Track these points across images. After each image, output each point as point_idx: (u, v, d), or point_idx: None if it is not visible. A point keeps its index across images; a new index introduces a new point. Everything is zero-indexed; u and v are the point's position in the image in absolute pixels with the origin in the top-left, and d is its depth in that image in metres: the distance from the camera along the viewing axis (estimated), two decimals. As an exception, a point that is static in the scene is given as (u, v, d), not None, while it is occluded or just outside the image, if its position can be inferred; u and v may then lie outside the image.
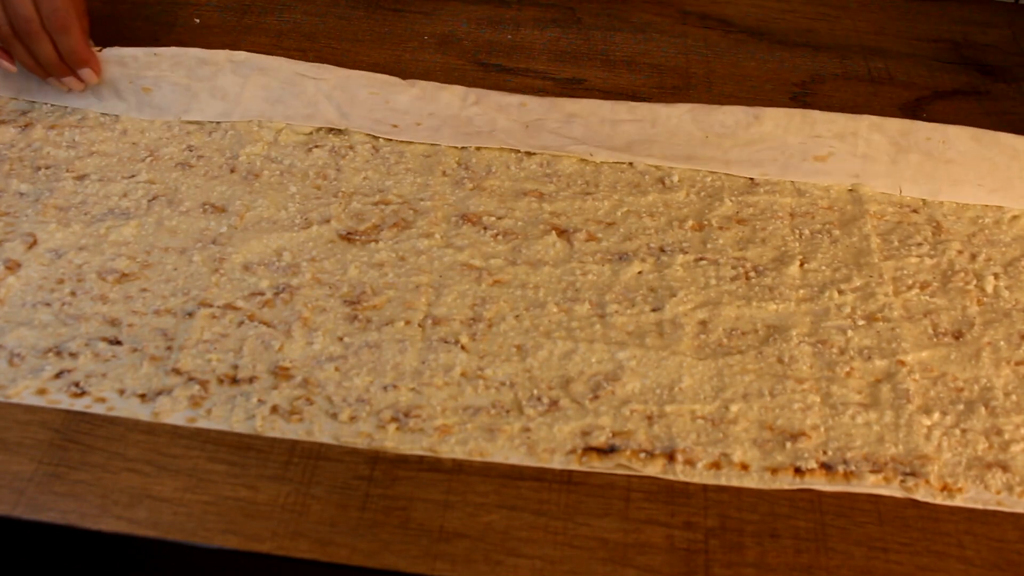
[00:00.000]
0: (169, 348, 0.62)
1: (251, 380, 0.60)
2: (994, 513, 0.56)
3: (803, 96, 0.84)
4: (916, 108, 0.84)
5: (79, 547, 0.54)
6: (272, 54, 0.85)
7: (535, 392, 0.60)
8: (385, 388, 0.60)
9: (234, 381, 0.60)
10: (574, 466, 0.57)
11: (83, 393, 0.59)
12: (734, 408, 0.60)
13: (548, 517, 0.55)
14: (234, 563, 0.53)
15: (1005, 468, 0.58)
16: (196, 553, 0.53)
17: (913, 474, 0.57)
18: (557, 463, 0.57)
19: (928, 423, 0.60)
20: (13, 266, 0.66)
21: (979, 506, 0.56)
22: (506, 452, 0.58)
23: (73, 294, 0.64)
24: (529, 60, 0.87)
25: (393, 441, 0.58)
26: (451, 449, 0.57)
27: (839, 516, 0.56)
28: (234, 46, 0.86)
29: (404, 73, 0.84)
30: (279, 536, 0.53)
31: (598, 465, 0.57)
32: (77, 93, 0.76)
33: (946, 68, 0.88)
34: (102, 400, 0.59)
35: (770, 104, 0.83)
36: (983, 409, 0.61)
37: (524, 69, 0.86)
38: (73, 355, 0.61)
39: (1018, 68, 0.89)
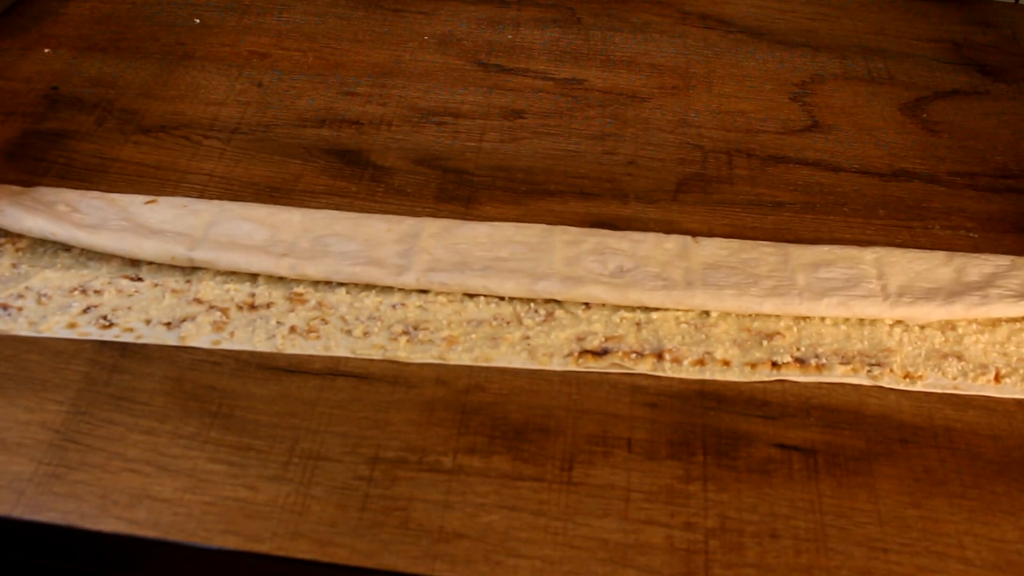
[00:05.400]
0: (188, 282, 0.65)
1: (268, 306, 0.64)
2: (994, 513, 0.56)
3: (803, 96, 0.84)
4: (916, 108, 0.84)
5: (79, 547, 0.54)
6: (271, 54, 0.85)
7: (532, 305, 0.65)
8: (394, 307, 0.64)
9: (252, 307, 0.64)
10: (572, 367, 0.61)
11: (111, 324, 0.63)
12: (714, 314, 0.65)
13: (548, 517, 0.55)
14: (234, 563, 0.53)
15: (960, 358, 0.63)
16: (196, 553, 0.53)
17: (878, 364, 0.62)
18: (556, 365, 0.61)
19: (890, 322, 0.65)
20: None
21: (938, 390, 0.61)
22: (509, 357, 0.62)
23: None
24: (529, 60, 0.87)
25: (405, 351, 0.62)
26: (458, 357, 0.61)
27: (839, 516, 0.56)
28: (234, 46, 0.86)
29: (404, 73, 0.84)
30: (279, 536, 0.53)
31: (593, 365, 0.61)
32: None
33: (946, 68, 0.89)
34: (130, 330, 0.62)
35: (770, 103, 0.83)
36: None
37: (524, 69, 0.86)
38: (98, 292, 0.64)
39: (1018, 68, 0.89)
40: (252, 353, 0.62)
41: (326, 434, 0.58)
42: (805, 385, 0.62)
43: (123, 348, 0.62)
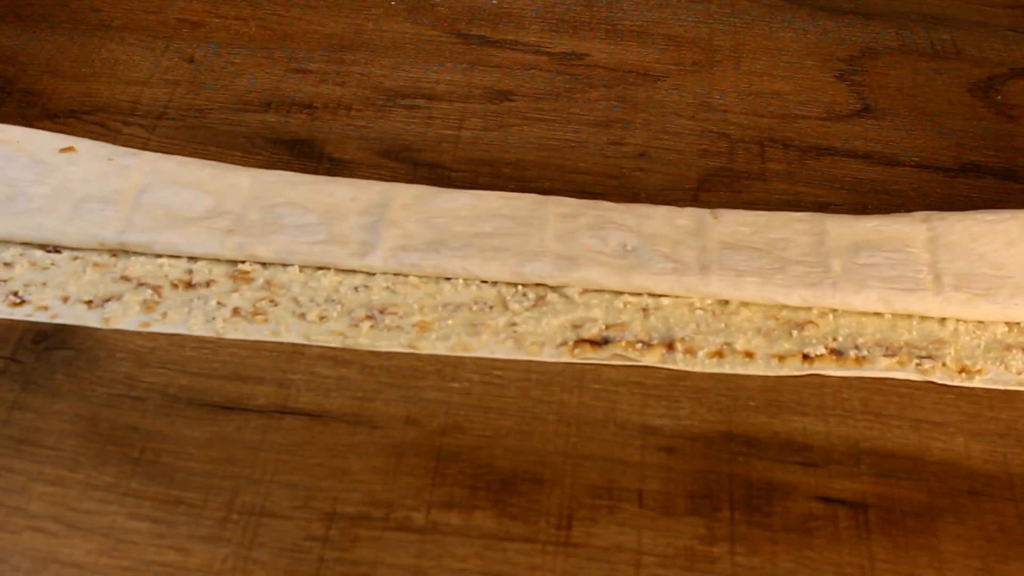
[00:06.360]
0: (115, 255, 0.67)
1: (208, 284, 0.66)
2: None
3: (851, 74, 0.85)
4: (989, 88, 0.84)
5: (-30, 623, 0.54)
6: (205, 23, 0.86)
7: (520, 287, 0.67)
8: (356, 288, 0.66)
9: (189, 286, 0.66)
10: (566, 358, 0.64)
11: (23, 302, 0.65)
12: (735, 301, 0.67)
13: (542, 586, 0.55)
14: (159, 643, 0.54)
15: None
16: (113, 630, 0.53)
17: (929, 357, 0.65)
18: (547, 355, 0.64)
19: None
20: None
21: (999, 387, 0.64)
22: (492, 346, 0.64)
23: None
24: (518, 31, 0.88)
25: (368, 339, 0.64)
26: (432, 345, 0.63)
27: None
28: (160, 13, 0.87)
29: (366, 46, 0.85)
30: (214, 609, 0.54)
31: (592, 356, 0.63)
32: None
33: (1025, 40, 0.90)
34: (44, 308, 0.65)
35: (811, 82, 0.84)
36: None
37: (512, 41, 0.86)
38: (8, 265, 0.67)
39: (1112, 40, 0.90)
40: (181, 387, 0.63)
41: (272, 484, 0.59)
42: (854, 427, 0.63)
43: (25, 380, 0.62)
